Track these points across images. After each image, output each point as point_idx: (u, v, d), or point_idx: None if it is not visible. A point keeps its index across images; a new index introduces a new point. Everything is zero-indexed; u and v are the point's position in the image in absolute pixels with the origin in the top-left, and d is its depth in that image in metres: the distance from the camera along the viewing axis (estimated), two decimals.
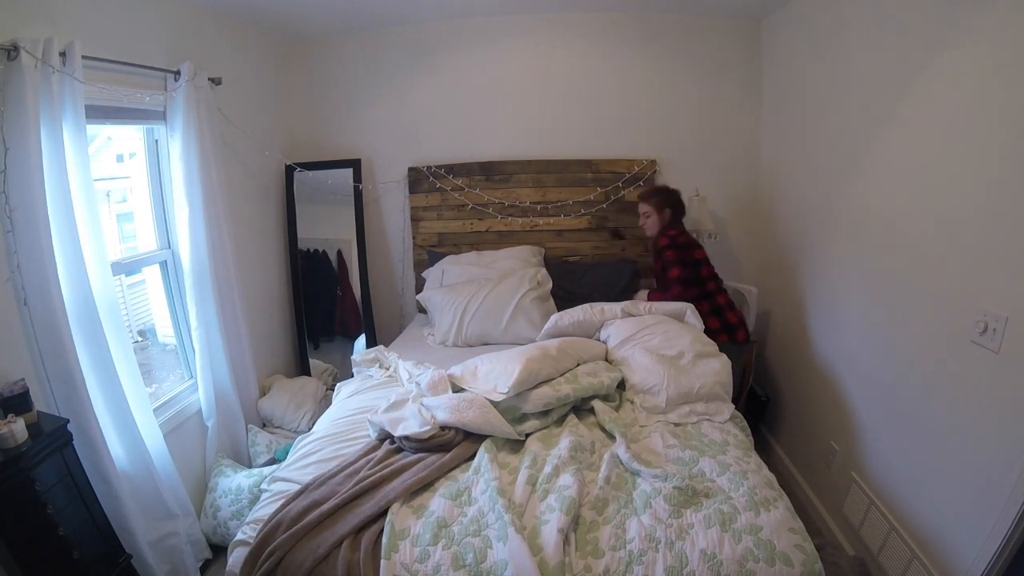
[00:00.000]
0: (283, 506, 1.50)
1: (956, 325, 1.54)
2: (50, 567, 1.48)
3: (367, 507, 1.45)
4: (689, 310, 2.32)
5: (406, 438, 1.69)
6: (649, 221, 2.59)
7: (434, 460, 1.63)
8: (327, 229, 3.25)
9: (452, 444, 1.71)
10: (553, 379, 1.94)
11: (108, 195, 2.55)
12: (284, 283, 3.23)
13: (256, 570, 1.34)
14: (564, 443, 1.69)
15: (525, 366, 1.85)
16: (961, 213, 1.54)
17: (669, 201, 2.57)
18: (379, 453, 1.70)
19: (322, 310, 3.32)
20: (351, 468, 1.64)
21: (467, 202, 3.15)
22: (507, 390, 1.80)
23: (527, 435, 1.79)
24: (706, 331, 2.28)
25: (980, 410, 1.48)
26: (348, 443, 1.83)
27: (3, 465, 1.38)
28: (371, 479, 1.55)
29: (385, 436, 1.78)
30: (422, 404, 1.83)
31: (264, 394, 2.78)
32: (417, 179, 3.18)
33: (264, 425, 2.72)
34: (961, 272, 1.55)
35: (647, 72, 3.04)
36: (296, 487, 1.60)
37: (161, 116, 2.21)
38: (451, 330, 2.71)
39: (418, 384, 2.01)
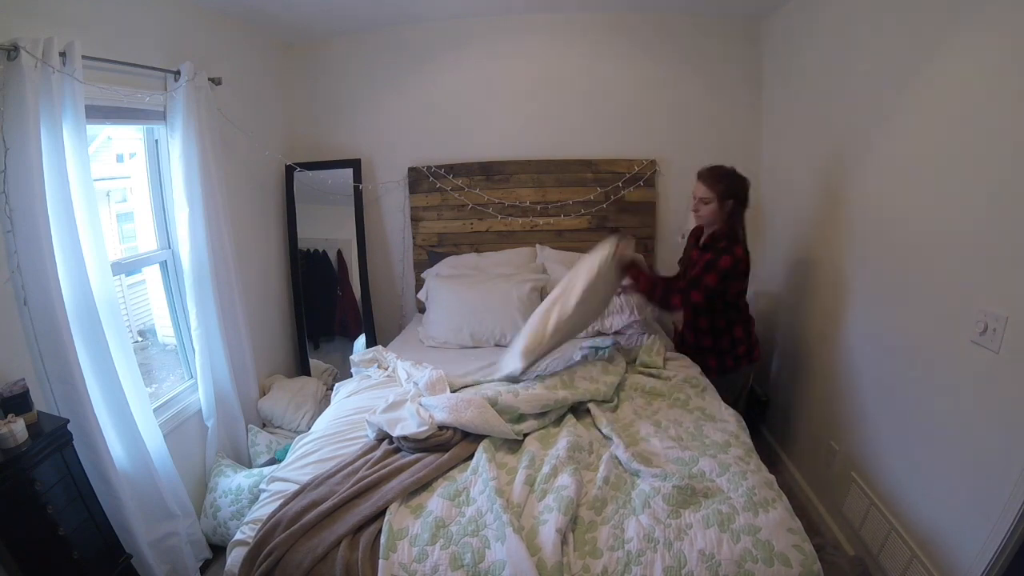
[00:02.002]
0: (282, 506, 1.51)
1: (956, 325, 1.54)
2: (50, 567, 1.49)
3: (365, 507, 1.45)
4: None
5: (404, 438, 1.69)
6: (706, 209, 2.15)
7: (432, 460, 1.63)
8: (327, 229, 3.25)
9: (450, 444, 1.71)
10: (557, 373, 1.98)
11: (108, 195, 2.56)
12: (284, 283, 3.23)
13: (255, 570, 1.34)
14: (562, 443, 1.69)
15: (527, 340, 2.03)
16: (961, 213, 1.54)
17: (735, 190, 2.13)
18: (377, 453, 1.70)
19: (322, 310, 3.32)
20: (349, 468, 1.64)
21: (467, 202, 3.15)
22: (520, 365, 1.98)
23: (525, 435, 1.79)
24: (720, 350, 2.29)
25: (980, 410, 1.48)
26: (346, 443, 1.83)
27: (3, 465, 1.38)
28: (369, 479, 1.55)
29: (383, 436, 1.79)
30: (420, 404, 1.84)
31: (264, 394, 2.78)
32: (417, 179, 3.18)
33: (264, 425, 2.72)
34: (961, 272, 1.54)
35: (647, 72, 3.04)
36: (294, 487, 1.60)
37: (161, 116, 2.21)
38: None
39: (416, 384, 2.01)
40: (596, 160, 3.10)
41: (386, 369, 2.39)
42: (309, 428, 2.09)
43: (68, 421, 1.59)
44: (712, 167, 2.18)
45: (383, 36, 3.09)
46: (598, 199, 3.10)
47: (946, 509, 1.60)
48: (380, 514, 1.45)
